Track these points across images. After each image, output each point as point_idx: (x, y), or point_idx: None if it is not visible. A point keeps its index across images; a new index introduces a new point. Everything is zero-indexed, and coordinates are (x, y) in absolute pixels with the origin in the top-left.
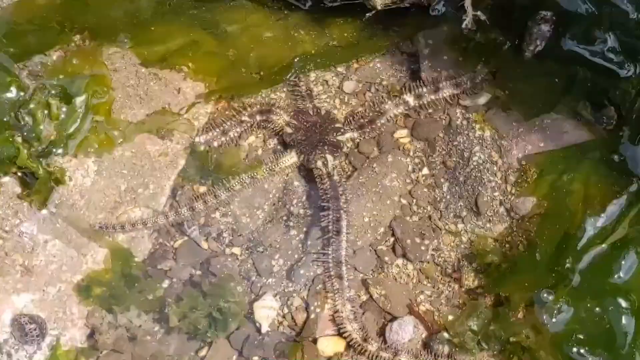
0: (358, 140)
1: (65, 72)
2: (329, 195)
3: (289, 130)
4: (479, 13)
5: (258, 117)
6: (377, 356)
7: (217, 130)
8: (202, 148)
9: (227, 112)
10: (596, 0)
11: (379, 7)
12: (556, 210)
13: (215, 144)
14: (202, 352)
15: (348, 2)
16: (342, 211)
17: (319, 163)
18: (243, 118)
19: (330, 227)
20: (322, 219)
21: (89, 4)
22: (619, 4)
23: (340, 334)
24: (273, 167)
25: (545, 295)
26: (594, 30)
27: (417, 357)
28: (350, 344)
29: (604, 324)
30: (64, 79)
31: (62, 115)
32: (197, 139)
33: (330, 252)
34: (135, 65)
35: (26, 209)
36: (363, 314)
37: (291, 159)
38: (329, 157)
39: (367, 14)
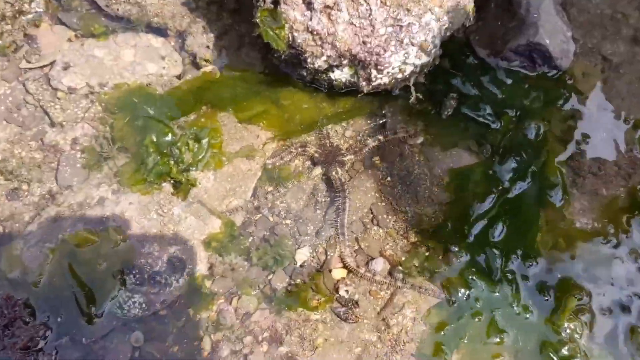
0: (353, 161)
1: (197, 125)
2: (339, 190)
3: (316, 155)
4: (419, 94)
5: (299, 149)
6: (363, 275)
7: (278, 156)
8: (270, 166)
9: (283, 147)
10: (479, 87)
11: (366, 91)
12: (459, 200)
13: (277, 164)
14: (269, 277)
15: (347, 89)
16: (346, 198)
17: (334, 173)
18: (292, 149)
19: (339, 207)
20: (335, 202)
21: (210, 90)
22: (492, 89)
23: (343, 266)
24: (308, 175)
25: (453, 248)
26: (478, 103)
27: (385, 278)
28: (349, 269)
29: (486, 265)
30: (196, 129)
31: (195, 149)
32: (267, 162)
33: (338, 220)
34: (235, 122)
35: (175, 199)
36: (356, 255)
37: (318, 171)
38: (339, 169)
39: (359, 94)
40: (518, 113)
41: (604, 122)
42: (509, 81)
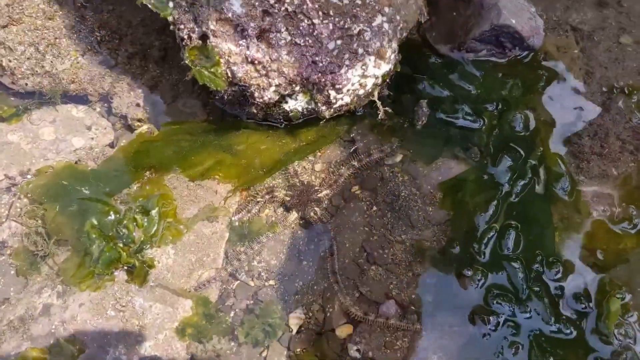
0: (330, 196)
1: (142, 196)
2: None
3: (287, 198)
4: (386, 108)
5: (267, 196)
6: (375, 323)
7: (244, 210)
8: (237, 224)
9: (247, 198)
10: (450, 87)
11: (328, 116)
12: (459, 215)
13: (245, 218)
14: (264, 353)
15: (306, 118)
16: (333, 240)
17: (312, 213)
18: (258, 199)
19: (326, 251)
20: (320, 244)
21: (150, 152)
22: (464, 86)
23: (348, 320)
24: (284, 224)
25: (467, 271)
26: (453, 105)
27: (400, 321)
28: (358, 320)
29: (509, 283)
30: (142, 200)
31: (145, 223)
32: (233, 219)
33: (328, 267)
34: (186, 182)
35: (133, 288)
36: (359, 302)
37: (293, 216)
38: (316, 209)
39: (322, 121)
40: (499, 106)
41: (594, 96)
42: (480, 73)
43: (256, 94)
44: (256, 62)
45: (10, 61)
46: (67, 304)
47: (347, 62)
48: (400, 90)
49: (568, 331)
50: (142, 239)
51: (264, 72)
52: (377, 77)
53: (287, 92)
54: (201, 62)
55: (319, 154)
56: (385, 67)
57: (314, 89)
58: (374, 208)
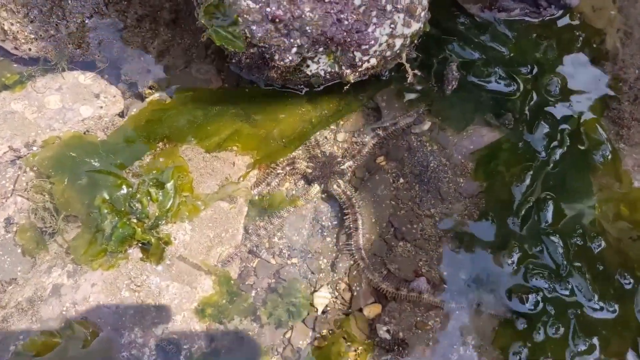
0: (353, 168)
1: (157, 168)
2: (346, 205)
3: (309, 170)
4: (415, 71)
5: (287, 168)
6: (408, 296)
7: (263, 183)
8: (256, 198)
9: (267, 170)
10: (481, 49)
11: (352, 80)
12: (492, 187)
13: (265, 192)
14: (288, 335)
15: (328, 84)
16: (357, 214)
17: (335, 186)
18: (278, 171)
19: (350, 226)
20: (345, 221)
21: (163, 121)
22: (496, 48)
23: (376, 301)
24: (305, 197)
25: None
26: (485, 68)
27: (434, 295)
28: (389, 296)
29: (549, 258)
30: (156, 173)
31: (160, 197)
32: (252, 192)
33: (352, 243)
34: (202, 153)
35: (149, 266)
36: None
37: (315, 189)
38: (340, 181)
39: (345, 87)
40: (533, 69)
41: (633, 58)
42: (513, 34)
43: (277, 56)
44: (277, 20)
45: (12, 25)
46: (79, 284)
47: (374, 20)
48: (428, 52)
49: (612, 309)
50: (156, 214)
51: (286, 31)
52: (405, 37)
53: (309, 54)
54: (218, 21)
55: (341, 122)
56: (415, 26)
57: (338, 50)
58: (401, 180)
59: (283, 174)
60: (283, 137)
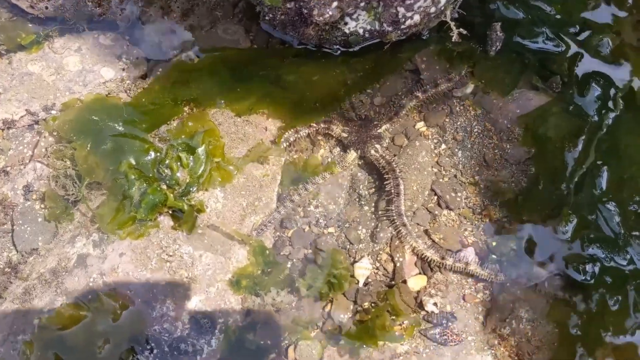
0: (391, 131)
1: (185, 133)
2: (386, 169)
3: (344, 135)
4: (461, 29)
5: (322, 125)
6: (454, 267)
7: (292, 130)
8: (283, 146)
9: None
10: (526, 8)
11: (394, 39)
12: (542, 152)
13: (291, 139)
14: (328, 308)
15: (365, 45)
16: (399, 178)
17: (372, 151)
18: (311, 124)
19: (392, 191)
20: (386, 185)
21: (189, 82)
22: (541, 6)
23: (422, 270)
24: (343, 164)
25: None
26: (531, 28)
27: (482, 266)
28: (432, 267)
29: (606, 225)
30: (185, 138)
31: (191, 163)
32: (282, 142)
33: (393, 209)
34: (232, 117)
35: (181, 235)
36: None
37: (352, 155)
38: (377, 145)
39: (383, 48)
40: (582, 29)
41: None
42: None
43: (315, 11)
44: None
45: None
46: (106, 254)
47: None
48: (471, 11)
49: None
50: (187, 180)
51: None
52: None
53: (349, 9)
54: None
55: (377, 86)
56: None
57: (380, 5)
58: (443, 146)
59: (316, 129)
60: (316, 101)
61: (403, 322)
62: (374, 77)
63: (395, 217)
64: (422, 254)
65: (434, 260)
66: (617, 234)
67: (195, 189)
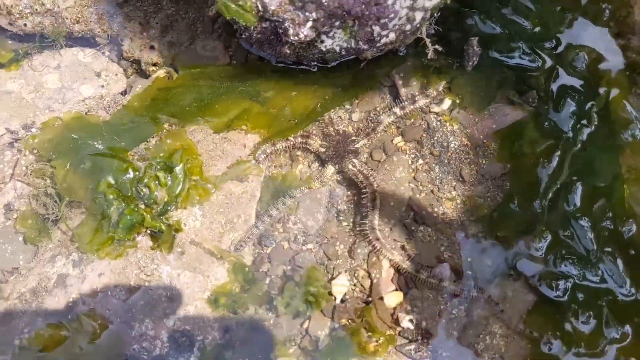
0: (369, 146)
1: (164, 150)
2: (364, 184)
3: (322, 149)
4: (436, 46)
5: (300, 139)
6: (427, 282)
7: (268, 143)
8: (260, 158)
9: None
10: (503, 23)
11: (369, 57)
12: (517, 168)
13: (268, 151)
14: (305, 325)
15: (342, 60)
16: (376, 193)
17: (350, 166)
18: (288, 138)
19: (368, 204)
20: (362, 199)
21: (168, 100)
22: (518, 21)
23: (398, 289)
24: (321, 179)
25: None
26: (508, 43)
27: (455, 282)
28: (407, 280)
29: (579, 243)
30: (163, 156)
31: (169, 182)
32: (257, 154)
33: (367, 223)
34: (211, 134)
35: (159, 255)
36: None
37: (330, 170)
38: (355, 160)
39: (362, 64)
40: (559, 44)
41: None
42: (536, 6)
43: (290, 31)
44: None
45: None
46: (85, 274)
47: None
48: (448, 26)
49: None
50: (165, 199)
51: (300, 4)
52: (426, 10)
53: (324, 28)
54: None
55: (356, 101)
56: None
57: (355, 24)
58: (420, 161)
59: (293, 143)
60: (295, 116)
61: (379, 339)
62: (352, 92)
63: (368, 231)
64: (398, 266)
65: (409, 273)
66: (590, 251)
67: (173, 207)
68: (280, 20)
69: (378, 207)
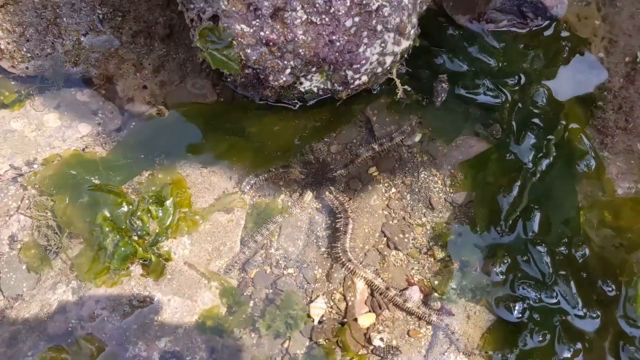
0: (345, 176)
1: (155, 184)
2: (339, 210)
3: (302, 176)
4: (405, 87)
5: (281, 170)
6: (394, 299)
7: (252, 174)
8: (246, 189)
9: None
10: (470, 61)
11: (344, 97)
12: (481, 196)
13: (252, 182)
14: (286, 344)
15: (320, 99)
16: (349, 218)
17: (327, 193)
18: (270, 169)
19: (340, 229)
20: (336, 223)
21: (159, 136)
22: (484, 59)
23: (370, 310)
24: (300, 205)
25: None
26: (474, 80)
27: (419, 307)
28: (376, 291)
29: (535, 266)
30: (155, 190)
31: (160, 215)
32: (243, 185)
33: (339, 246)
34: (199, 168)
35: (150, 282)
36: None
37: (309, 196)
38: (332, 187)
39: (338, 103)
40: (521, 80)
41: (617, 67)
42: (501, 45)
43: (271, 77)
44: (271, 43)
45: (8, 44)
46: (83, 300)
47: (365, 41)
48: (418, 64)
49: (595, 315)
50: (157, 231)
51: (279, 53)
52: (395, 54)
53: (302, 73)
54: (213, 44)
55: (334, 135)
56: (405, 44)
57: (330, 69)
58: (393, 190)
59: (275, 173)
60: (277, 149)
61: (352, 358)
62: (331, 126)
63: (340, 254)
64: (371, 283)
65: (379, 289)
66: (545, 274)
67: (164, 238)
68: (262, 68)
69: (350, 231)
